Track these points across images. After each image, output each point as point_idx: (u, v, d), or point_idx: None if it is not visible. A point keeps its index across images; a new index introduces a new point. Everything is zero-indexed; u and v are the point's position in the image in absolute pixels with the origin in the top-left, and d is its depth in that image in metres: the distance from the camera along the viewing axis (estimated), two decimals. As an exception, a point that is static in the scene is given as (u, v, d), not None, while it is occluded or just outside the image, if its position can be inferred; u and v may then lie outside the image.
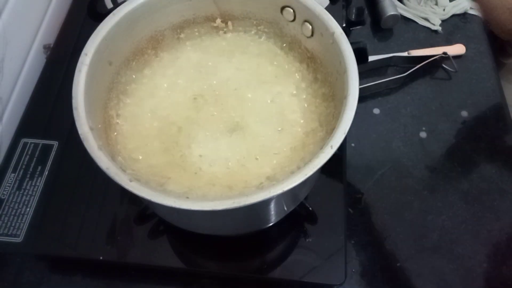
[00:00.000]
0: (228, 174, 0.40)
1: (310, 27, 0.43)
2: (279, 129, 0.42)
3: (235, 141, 0.42)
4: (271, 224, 0.46)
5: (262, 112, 0.44)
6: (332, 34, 0.40)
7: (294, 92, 0.45)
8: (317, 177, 0.45)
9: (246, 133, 0.42)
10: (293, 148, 0.41)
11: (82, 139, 0.34)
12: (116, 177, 0.33)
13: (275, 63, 0.47)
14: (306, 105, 0.44)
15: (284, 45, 0.47)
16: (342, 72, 0.38)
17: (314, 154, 0.34)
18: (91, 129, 0.35)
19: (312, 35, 0.43)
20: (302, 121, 0.43)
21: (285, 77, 0.46)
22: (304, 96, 0.45)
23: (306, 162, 0.34)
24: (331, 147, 0.34)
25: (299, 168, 0.33)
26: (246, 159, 0.41)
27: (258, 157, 0.41)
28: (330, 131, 0.40)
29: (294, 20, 0.44)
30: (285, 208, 0.44)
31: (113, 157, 0.37)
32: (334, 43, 0.40)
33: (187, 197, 0.36)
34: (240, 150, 0.41)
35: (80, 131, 0.34)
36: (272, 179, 0.39)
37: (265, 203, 0.38)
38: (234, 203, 0.31)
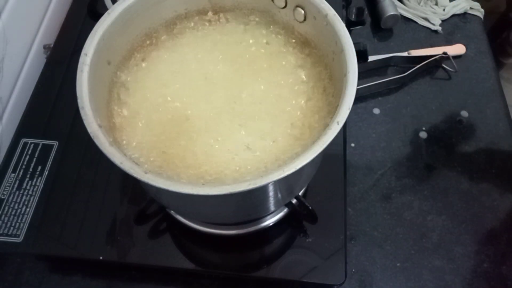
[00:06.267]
0: (235, 161, 0.40)
1: (302, 11, 0.43)
2: (279, 115, 0.43)
3: (238, 130, 0.42)
4: (273, 211, 0.46)
5: (261, 99, 0.44)
6: (325, 16, 0.40)
7: (290, 77, 0.45)
8: (316, 165, 0.45)
9: (247, 123, 0.42)
10: (294, 132, 0.42)
11: (92, 137, 0.34)
12: (131, 170, 0.33)
13: (269, 52, 0.47)
14: (303, 88, 0.44)
15: (277, 33, 0.47)
16: (339, 52, 0.39)
17: (316, 136, 0.34)
18: (100, 126, 0.35)
19: (304, 19, 0.44)
20: (302, 103, 0.43)
21: (280, 64, 0.46)
22: (301, 80, 0.45)
23: (309, 143, 0.34)
24: (337, 123, 0.34)
25: (303, 150, 0.34)
26: (251, 145, 0.41)
27: (261, 143, 0.41)
28: (331, 110, 0.41)
29: (285, 6, 0.45)
30: (292, 192, 0.45)
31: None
32: (328, 24, 0.40)
33: (203, 184, 0.37)
34: (244, 137, 0.41)
35: (89, 130, 0.34)
36: (279, 162, 0.40)
37: (276, 184, 0.38)
38: (250, 184, 0.32)
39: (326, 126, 0.35)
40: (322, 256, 0.49)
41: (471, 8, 0.74)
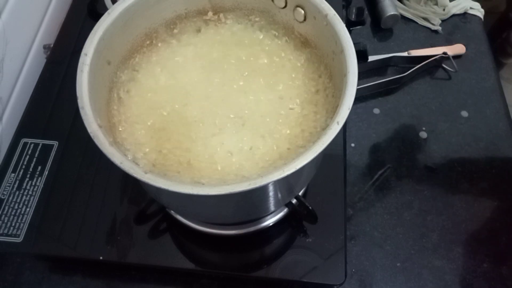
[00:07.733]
0: (235, 162, 0.40)
1: (302, 11, 0.43)
2: (279, 115, 0.43)
3: (237, 130, 0.42)
4: (272, 211, 0.46)
5: (261, 101, 0.44)
6: (325, 16, 0.40)
7: (291, 77, 0.45)
8: (316, 165, 0.46)
9: (247, 123, 0.42)
10: (294, 132, 0.42)
11: (92, 137, 0.34)
12: (131, 170, 0.33)
13: (269, 51, 0.47)
14: (303, 88, 0.44)
15: (277, 33, 0.48)
16: (339, 52, 0.39)
17: (316, 136, 0.34)
18: (100, 126, 0.35)
19: (304, 19, 0.44)
20: (301, 104, 0.43)
21: (280, 64, 0.46)
22: (301, 80, 0.45)
23: (309, 143, 0.34)
24: (337, 123, 0.34)
25: (303, 150, 0.34)
26: (251, 146, 0.41)
27: (261, 144, 0.41)
28: (331, 110, 0.41)
29: (285, 6, 0.45)
30: (292, 192, 0.45)
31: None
32: (328, 24, 0.40)
33: (203, 184, 0.37)
34: (243, 139, 0.41)
35: (89, 130, 0.34)
36: (279, 162, 0.40)
37: (276, 184, 0.38)
38: (250, 184, 0.32)
39: (326, 126, 0.35)
40: (322, 256, 0.49)
41: (471, 8, 0.74)
